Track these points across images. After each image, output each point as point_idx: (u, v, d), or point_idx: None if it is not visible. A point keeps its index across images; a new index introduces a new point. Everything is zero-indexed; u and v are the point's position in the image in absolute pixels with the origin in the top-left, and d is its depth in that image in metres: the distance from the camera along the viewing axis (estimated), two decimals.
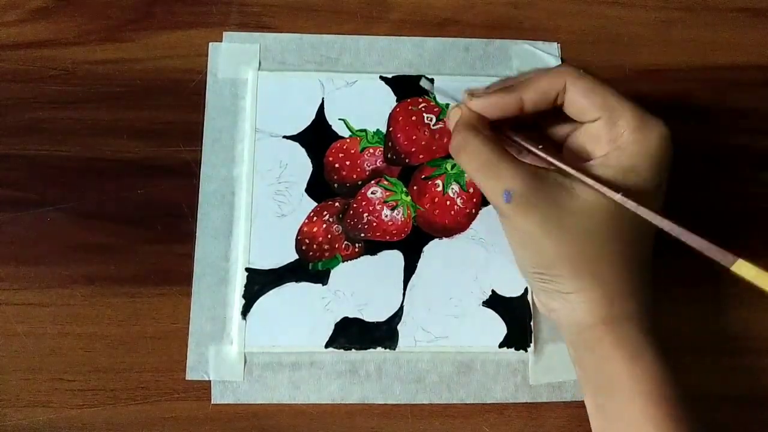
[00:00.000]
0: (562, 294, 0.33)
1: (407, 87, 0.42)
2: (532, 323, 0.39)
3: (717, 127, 0.44)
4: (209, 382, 0.38)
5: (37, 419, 0.37)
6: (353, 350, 0.38)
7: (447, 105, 0.42)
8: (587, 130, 0.35)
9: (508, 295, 0.40)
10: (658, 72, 0.44)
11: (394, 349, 0.39)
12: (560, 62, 0.44)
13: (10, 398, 0.37)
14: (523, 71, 0.43)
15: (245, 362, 0.38)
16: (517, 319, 0.39)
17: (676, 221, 0.31)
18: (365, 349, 0.39)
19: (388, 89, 0.42)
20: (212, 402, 0.38)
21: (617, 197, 0.31)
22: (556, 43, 0.44)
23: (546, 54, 0.44)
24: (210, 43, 0.43)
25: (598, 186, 0.32)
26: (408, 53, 0.44)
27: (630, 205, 0.31)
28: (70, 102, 0.41)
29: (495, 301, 0.40)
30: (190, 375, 0.38)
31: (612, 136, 0.33)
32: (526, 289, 0.40)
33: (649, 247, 0.35)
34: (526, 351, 0.39)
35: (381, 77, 0.43)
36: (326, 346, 0.38)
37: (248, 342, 0.38)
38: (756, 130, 0.44)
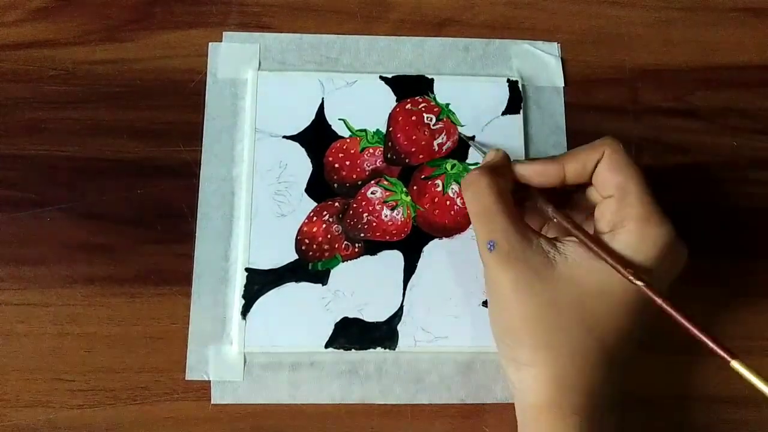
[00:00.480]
0: (519, 364, 0.32)
1: (407, 87, 0.42)
2: None
3: (716, 126, 0.44)
4: (209, 382, 0.38)
5: (37, 419, 0.37)
6: (353, 350, 0.38)
7: (447, 104, 0.42)
8: (601, 205, 0.34)
9: None
10: (658, 72, 0.44)
11: (394, 350, 0.39)
12: (560, 62, 0.44)
13: (10, 398, 0.37)
14: (522, 71, 0.43)
15: (245, 362, 0.38)
16: None
17: (688, 317, 0.30)
18: (365, 349, 0.39)
19: (387, 89, 0.42)
20: (212, 402, 0.38)
21: (639, 283, 0.31)
22: (556, 43, 0.44)
23: (546, 54, 0.44)
24: (210, 43, 0.43)
25: (617, 267, 0.31)
26: (408, 53, 0.44)
27: (648, 290, 0.31)
28: (69, 102, 0.41)
29: None
30: (190, 375, 0.38)
31: (616, 219, 0.33)
32: None
33: (626, 350, 0.33)
34: None
35: (381, 77, 0.43)
36: (326, 347, 0.38)
37: (248, 342, 0.38)
38: (756, 131, 0.44)
